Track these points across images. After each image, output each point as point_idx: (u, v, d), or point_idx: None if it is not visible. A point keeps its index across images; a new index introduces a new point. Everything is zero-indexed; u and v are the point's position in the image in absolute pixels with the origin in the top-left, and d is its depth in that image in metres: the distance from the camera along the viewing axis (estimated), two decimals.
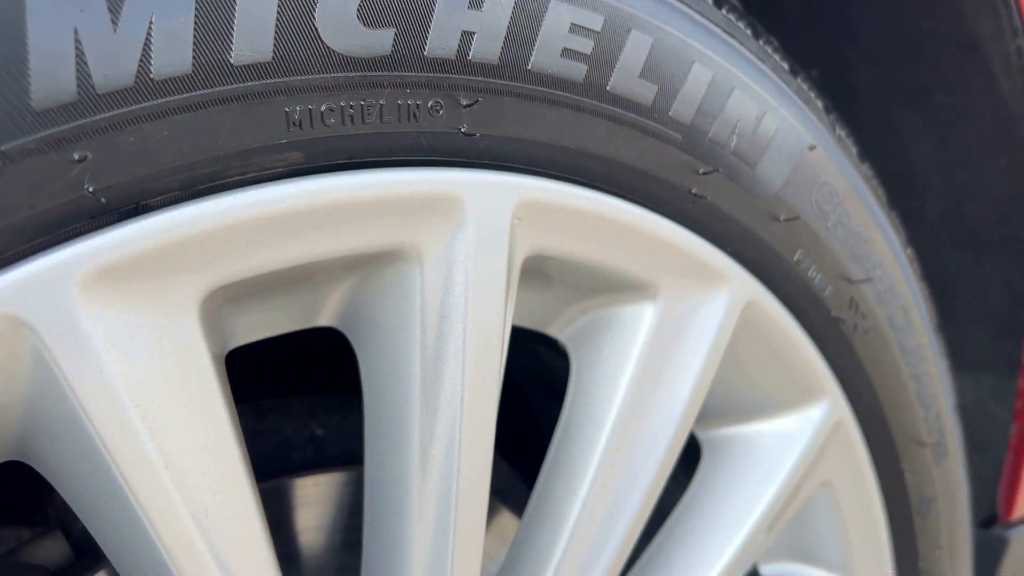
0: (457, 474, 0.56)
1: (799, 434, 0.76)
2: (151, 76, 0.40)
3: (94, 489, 0.44)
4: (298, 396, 0.73)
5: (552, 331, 0.68)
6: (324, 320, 0.57)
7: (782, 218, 0.68)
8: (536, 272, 0.63)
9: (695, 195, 0.62)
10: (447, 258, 0.53)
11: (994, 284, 1.07)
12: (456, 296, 0.53)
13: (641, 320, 0.65)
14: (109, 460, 0.42)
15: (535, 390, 0.93)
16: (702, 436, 0.79)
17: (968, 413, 1.08)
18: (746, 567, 0.79)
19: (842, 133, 0.75)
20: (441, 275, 0.53)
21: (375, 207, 0.49)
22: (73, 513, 0.61)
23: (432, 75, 0.49)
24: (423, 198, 0.50)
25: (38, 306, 0.40)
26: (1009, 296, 1.07)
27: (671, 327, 0.66)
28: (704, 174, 0.62)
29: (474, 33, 0.49)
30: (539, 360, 0.90)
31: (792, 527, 0.85)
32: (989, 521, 1.19)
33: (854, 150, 0.76)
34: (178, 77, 0.41)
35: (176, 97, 0.41)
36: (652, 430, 0.66)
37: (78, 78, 0.38)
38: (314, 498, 0.69)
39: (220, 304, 0.48)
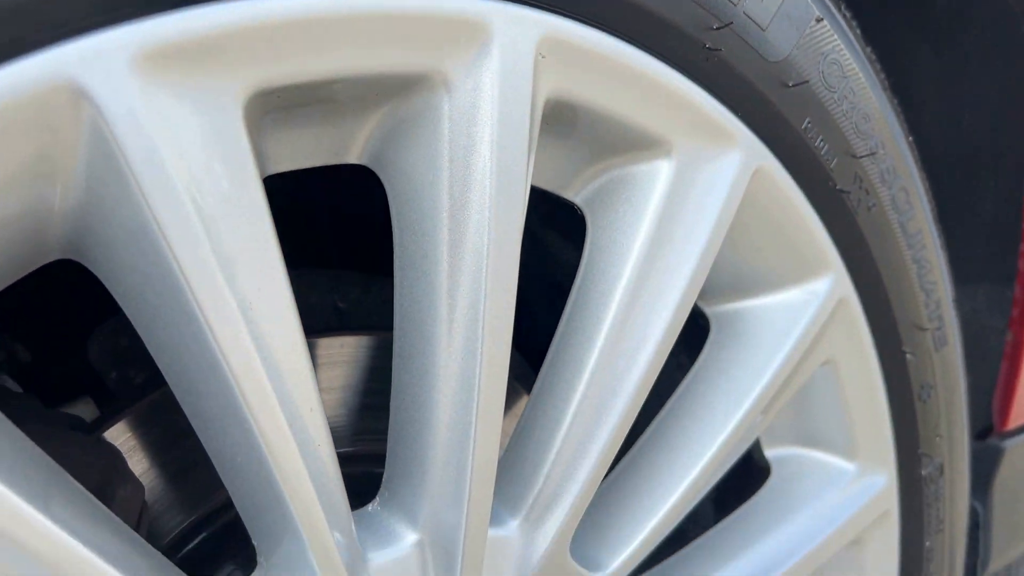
0: (483, 321, 0.58)
1: (804, 307, 0.79)
2: None
3: (145, 271, 0.46)
4: (322, 269, 0.75)
5: (569, 194, 0.70)
6: (355, 156, 0.59)
7: (791, 84, 0.70)
8: (555, 128, 0.65)
9: (709, 49, 0.64)
10: (474, 87, 0.55)
11: (989, 194, 1.10)
12: (482, 127, 0.56)
13: (656, 179, 0.68)
14: (161, 240, 0.45)
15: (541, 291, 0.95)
16: (709, 312, 0.81)
17: (963, 325, 1.11)
18: (747, 442, 0.82)
19: (846, 13, 0.78)
20: (468, 105, 0.55)
21: (408, 22, 0.51)
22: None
23: None
24: (453, 19, 0.52)
25: (100, 79, 0.42)
26: (1004, 206, 1.10)
27: (684, 186, 0.68)
28: (718, 29, 0.64)
29: None
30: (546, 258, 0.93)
31: (795, 410, 0.88)
32: (984, 432, 1.22)
33: (858, 31, 0.79)
34: None
35: None
36: (663, 290, 0.68)
37: None
38: (340, 358, 0.71)
39: (260, 115, 0.51)
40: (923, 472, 0.92)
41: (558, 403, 0.67)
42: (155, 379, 0.66)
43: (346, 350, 0.72)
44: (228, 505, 0.68)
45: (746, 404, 0.76)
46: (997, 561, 1.28)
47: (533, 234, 0.90)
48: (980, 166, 1.09)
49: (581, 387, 0.67)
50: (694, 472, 0.74)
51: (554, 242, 0.92)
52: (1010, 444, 1.21)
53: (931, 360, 0.89)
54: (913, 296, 0.86)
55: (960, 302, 1.15)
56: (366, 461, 0.73)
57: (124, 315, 0.60)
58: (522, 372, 0.89)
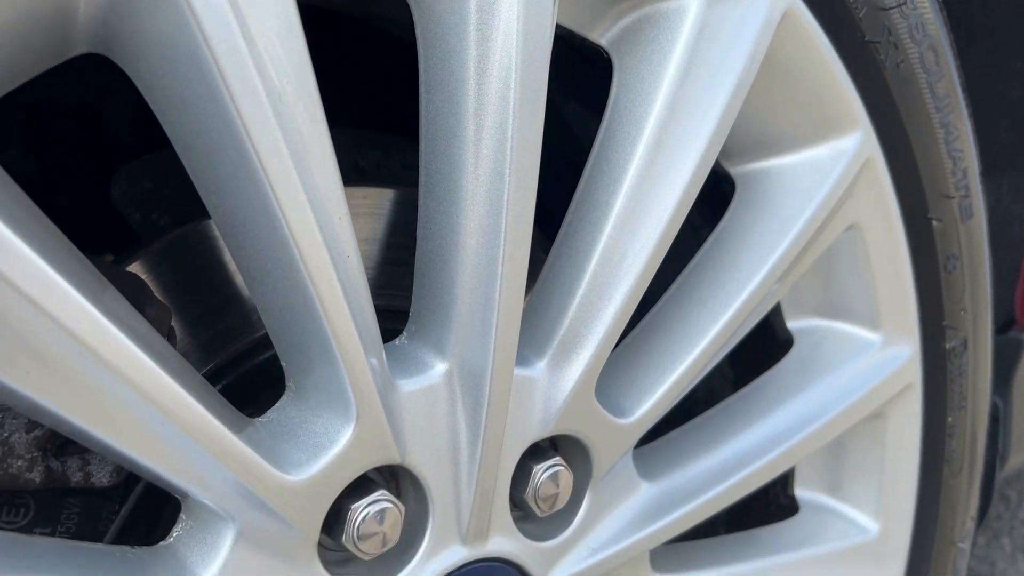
0: (511, 143, 0.57)
1: (830, 166, 0.78)
2: None
3: (183, 74, 0.46)
4: (344, 127, 0.74)
5: (595, 35, 0.69)
6: None
7: None
8: None
9: None
10: None
11: (1015, 79, 1.08)
12: None
13: (684, 17, 0.66)
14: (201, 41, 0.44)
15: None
16: (734, 172, 0.80)
17: (987, 215, 1.09)
18: (768, 304, 0.81)
19: None
20: None
21: None
22: None
23: None
24: None
25: None
26: None
27: (713, 25, 0.67)
28: None
29: None
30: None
31: (819, 279, 0.87)
32: (1006, 326, 1.22)
33: None
34: None
35: None
36: (691, 131, 0.67)
37: None
38: (362, 210, 0.71)
39: None
40: (947, 346, 0.91)
41: (583, 247, 0.67)
42: (178, 222, 0.66)
43: (368, 201, 0.71)
44: (248, 351, 0.68)
45: (770, 262, 0.75)
46: (1017, 456, 1.28)
47: (553, 105, 0.89)
48: (1005, 49, 1.07)
49: (607, 230, 0.66)
50: (715, 329, 0.74)
51: (576, 115, 0.91)
52: None
53: (957, 230, 0.88)
54: (940, 161, 0.84)
55: (983, 192, 1.14)
56: (390, 317, 0.73)
57: (147, 158, 0.59)
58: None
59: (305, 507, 0.54)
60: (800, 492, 0.94)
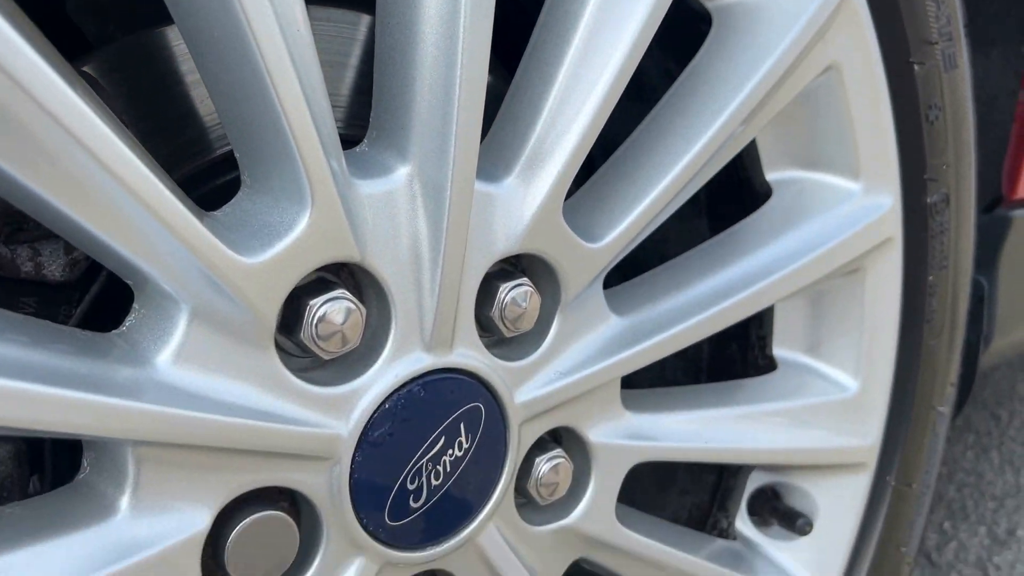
0: None
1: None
2: None
3: None
4: None
5: None
6: None
7: None
8: None
9: None
10: None
11: None
12: None
13: None
14: None
15: None
16: (710, 6, 0.78)
17: (974, 90, 1.08)
18: (740, 143, 0.79)
19: None
20: None
21: None
22: None
23: None
24: None
25: None
26: None
27: None
28: None
29: None
30: None
31: (798, 128, 0.85)
32: (992, 204, 1.20)
33: None
34: None
35: None
36: None
37: None
38: (324, 32, 0.69)
39: None
40: (929, 200, 0.90)
41: (550, 63, 0.65)
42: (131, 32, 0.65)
43: (331, 26, 0.69)
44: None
45: (743, 92, 0.74)
46: (1001, 339, 1.27)
47: None
48: None
49: (574, 42, 0.65)
50: (686, 159, 0.72)
51: None
52: (1019, 214, 1.19)
53: (940, 79, 0.87)
54: (922, 3, 0.82)
55: (971, 62, 1.12)
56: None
57: None
58: None
59: (261, 290, 0.54)
60: (779, 352, 0.94)
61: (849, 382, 0.92)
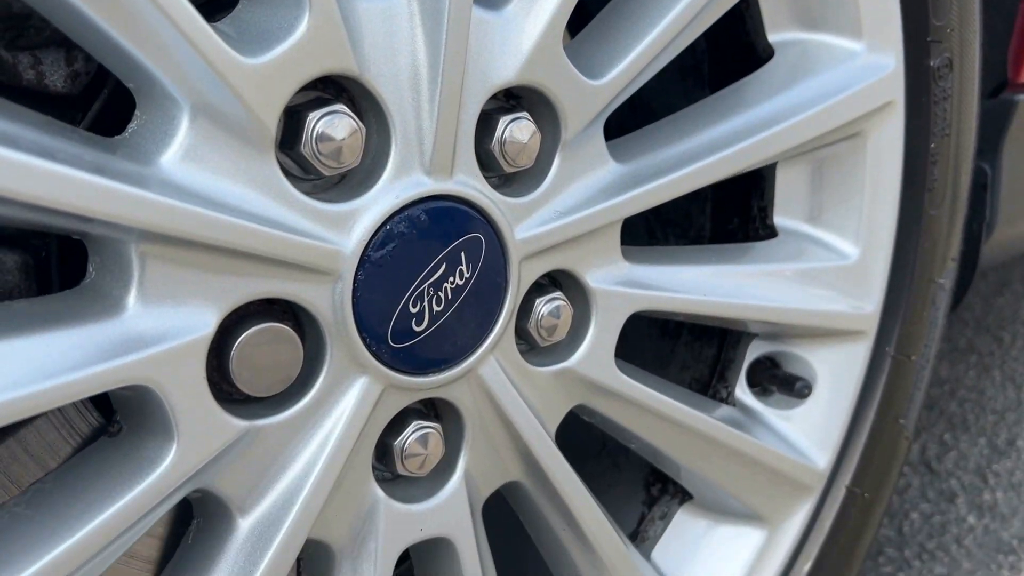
0: None
1: None
2: None
3: None
4: None
5: None
6: None
7: None
8: None
9: None
10: None
11: None
12: None
13: None
14: None
15: None
16: None
17: None
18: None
19: None
20: None
21: None
22: None
23: None
24: None
25: None
26: None
27: None
28: None
29: None
30: None
31: None
32: (997, 89, 1.19)
33: None
34: None
35: None
36: None
37: None
38: None
39: None
40: (931, 63, 0.90)
41: None
42: None
43: None
44: None
45: None
46: (1005, 228, 1.27)
47: None
48: None
49: None
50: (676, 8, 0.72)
51: None
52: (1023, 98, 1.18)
53: None
54: None
55: None
56: None
57: None
58: None
59: (260, 93, 0.54)
60: (779, 221, 0.94)
61: (850, 249, 0.93)
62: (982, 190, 1.19)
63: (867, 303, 0.94)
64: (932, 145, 0.93)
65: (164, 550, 0.81)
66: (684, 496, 0.97)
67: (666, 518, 0.97)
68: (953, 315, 2.41)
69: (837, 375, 0.96)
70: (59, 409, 0.67)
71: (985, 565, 1.50)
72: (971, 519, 1.62)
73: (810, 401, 0.96)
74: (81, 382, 0.51)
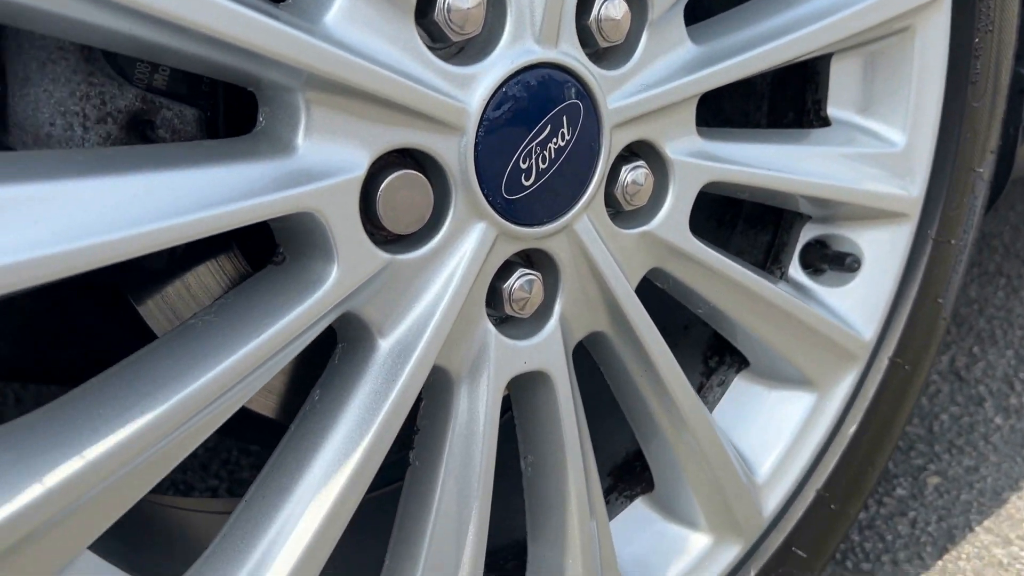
0: None
1: None
2: None
3: None
4: None
5: None
6: None
7: None
8: None
9: None
10: None
11: None
12: None
13: None
14: None
15: None
16: None
17: None
18: None
19: None
20: None
21: None
22: None
23: None
24: None
25: None
26: None
27: None
28: None
29: None
30: None
31: None
32: None
33: None
34: None
35: None
36: None
37: None
38: None
39: None
40: None
41: None
42: None
43: None
44: None
45: None
46: None
47: None
48: None
49: None
50: None
51: None
52: None
53: None
54: None
55: None
56: None
57: None
58: None
59: None
60: (832, 111, 1.02)
61: (897, 137, 1.01)
62: (1020, 95, 1.26)
63: (912, 188, 1.03)
64: (976, 40, 1.01)
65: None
66: (741, 365, 1.07)
67: (723, 385, 1.07)
68: (982, 241, 2.49)
69: (882, 255, 1.05)
70: (214, 256, 0.78)
71: (1011, 458, 1.60)
72: (998, 420, 1.71)
73: (857, 278, 1.05)
74: (267, 205, 0.61)
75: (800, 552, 1.05)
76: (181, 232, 0.58)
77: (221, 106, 0.70)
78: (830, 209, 1.03)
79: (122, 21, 0.55)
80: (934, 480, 1.55)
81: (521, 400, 0.84)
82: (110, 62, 0.66)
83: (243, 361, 0.62)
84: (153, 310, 0.75)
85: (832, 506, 1.07)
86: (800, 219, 1.06)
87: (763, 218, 1.09)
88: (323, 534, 0.68)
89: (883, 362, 1.08)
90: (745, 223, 1.11)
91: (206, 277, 0.78)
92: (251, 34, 0.57)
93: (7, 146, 0.61)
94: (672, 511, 1.00)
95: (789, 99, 1.06)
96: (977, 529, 1.42)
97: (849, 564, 1.35)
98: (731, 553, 1.01)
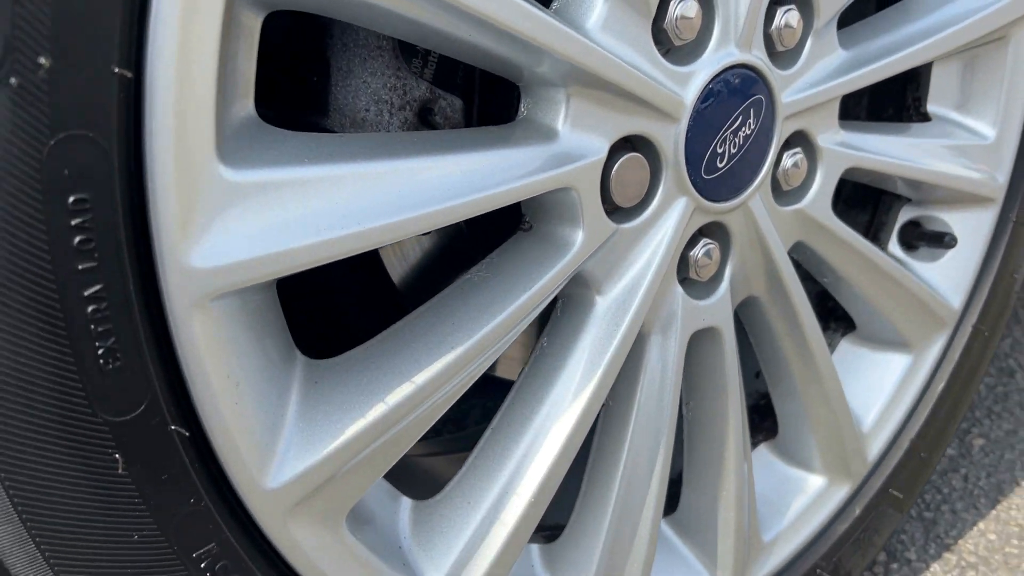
0: None
1: None
2: None
3: None
4: None
5: None
6: None
7: None
8: None
9: None
10: None
11: None
12: None
13: None
14: None
15: None
16: None
17: None
18: None
19: None
20: None
21: None
22: None
23: None
24: None
25: None
26: None
27: None
28: None
29: None
30: None
31: None
32: None
33: None
34: None
35: None
36: None
37: None
38: None
39: None
40: None
41: None
42: None
43: None
44: None
45: None
46: None
47: None
48: None
49: None
50: None
51: None
52: None
53: None
54: None
55: None
56: None
57: None
58: None
59: None
60: (932, 108, 1.16)
61: (988, 132, 1.16)
62: None
63: (1000, 176, 1.17)
64: None
65: None
66: (846, 330, 1.21)
67: (830, 347, 1.21)
68: None
69: (970, 234, 1.20)
70: None
71: None
72: None
73: (949, 254, 1.19)
74: (540, 182, 0.74)
75: (896, 493, 1.19)
76: (477, 206, 0.71)
77: (476, 97, 0.82)
78: (928, 193, 1.17)
79: (440, 17, 0.67)
80: (979, 441, 1.71)
81: (690, 352, 0.98)
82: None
83: (521, 308, 0.75)
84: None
85: (922, 454, 1.22)
86: (899, 201, 1.20)
87: (862, 200, 1.24)
88: (563, 455, 0.82)
89: (967, 328, 1.23)
90: (845, 204, 1.25)
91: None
92: (541, 32, 0.70)
93: (327, 128, 0.73)
94: (792, 455, 1.15)
95: (888, 95, 1.20)
96: (1023, 483, 1.58)
97: (913, 513, 1.51)
98: (841, 492, 1.16)
